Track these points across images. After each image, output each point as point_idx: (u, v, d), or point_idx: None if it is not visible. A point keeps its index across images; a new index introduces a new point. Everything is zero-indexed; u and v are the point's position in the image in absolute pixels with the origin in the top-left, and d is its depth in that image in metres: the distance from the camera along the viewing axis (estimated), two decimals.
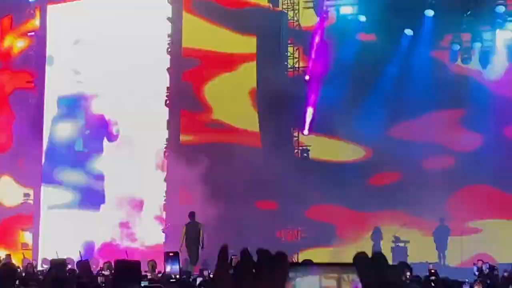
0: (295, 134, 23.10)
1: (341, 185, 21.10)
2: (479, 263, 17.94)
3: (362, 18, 22.16)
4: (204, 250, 18.60)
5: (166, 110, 23.81)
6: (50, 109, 25.39)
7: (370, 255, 1.33)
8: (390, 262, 1.39)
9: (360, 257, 1.36)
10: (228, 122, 23.25)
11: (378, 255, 1.36)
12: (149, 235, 23.49)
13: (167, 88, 23.86)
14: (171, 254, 13.65)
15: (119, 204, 23.77)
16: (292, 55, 23.30)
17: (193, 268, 17.76)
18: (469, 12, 21.27)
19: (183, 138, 23.80)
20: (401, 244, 21.35)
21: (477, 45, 21.72)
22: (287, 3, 23.17)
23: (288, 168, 21.14)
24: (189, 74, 24.02)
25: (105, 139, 24.69)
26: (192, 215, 19.00)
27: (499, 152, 20.76)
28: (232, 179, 21.33)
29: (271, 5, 23.14)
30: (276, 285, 1.37)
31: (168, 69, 23.86)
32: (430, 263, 18.08)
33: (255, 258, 1.40)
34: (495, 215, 20.68)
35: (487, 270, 17.35)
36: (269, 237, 20.59)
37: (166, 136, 23.77)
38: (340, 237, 21.68)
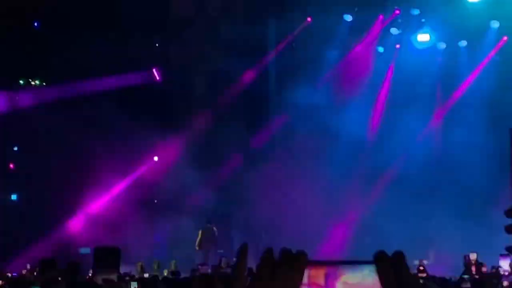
0: None
1: None
2: (467, 257, 17.73)
3: None
4: None
5: None
6: None
7: None
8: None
9: (380, 255, 1.39)
10: None
11: (398, 255, 1.39)
12: None
13: None
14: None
15: None
16: None
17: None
18: None
19: None
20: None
21: None
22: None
23: None
24: None
25: None
26: (208, 220, 21.23)
27: None
28: None
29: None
30: (293, 284, 1.39)
31: None
32: (423, 260, 18.07)
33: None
34: None
35: (474, 260, 17.31)
36: None
37: None
38: None
